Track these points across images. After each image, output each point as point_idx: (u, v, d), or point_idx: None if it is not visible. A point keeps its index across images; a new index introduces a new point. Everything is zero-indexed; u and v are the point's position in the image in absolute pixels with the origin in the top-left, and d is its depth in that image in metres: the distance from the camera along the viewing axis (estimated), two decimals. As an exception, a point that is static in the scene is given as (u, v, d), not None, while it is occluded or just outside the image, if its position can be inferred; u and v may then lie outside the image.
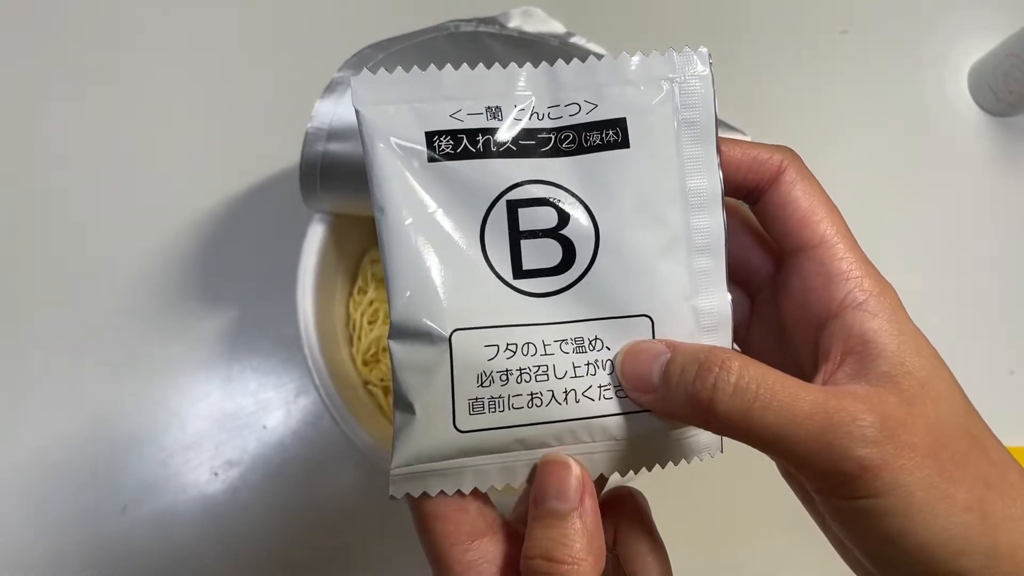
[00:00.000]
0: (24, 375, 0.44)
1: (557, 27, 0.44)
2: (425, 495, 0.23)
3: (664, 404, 0.23)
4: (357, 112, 0.24)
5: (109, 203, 0.47)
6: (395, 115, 0.24)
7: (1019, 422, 0.50)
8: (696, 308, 0.24)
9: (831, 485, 0.21)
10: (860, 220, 0.51)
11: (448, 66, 0.24)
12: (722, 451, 0.25)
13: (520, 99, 0.24)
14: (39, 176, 0.48)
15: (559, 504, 0.22)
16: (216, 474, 0.44)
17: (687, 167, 0.24)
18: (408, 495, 0.23)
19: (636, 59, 0.24)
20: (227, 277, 0.46)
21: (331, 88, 0.36)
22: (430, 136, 0.23)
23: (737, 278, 0.28)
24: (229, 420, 0.44)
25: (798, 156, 0.26)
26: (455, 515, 0.23)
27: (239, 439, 0.44)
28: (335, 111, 0.36)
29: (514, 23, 0.43)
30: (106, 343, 0.45)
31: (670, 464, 0.25)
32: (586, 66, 0.24)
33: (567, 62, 0.24)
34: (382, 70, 0.24)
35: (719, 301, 0.24)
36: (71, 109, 0.49)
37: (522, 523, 0.23)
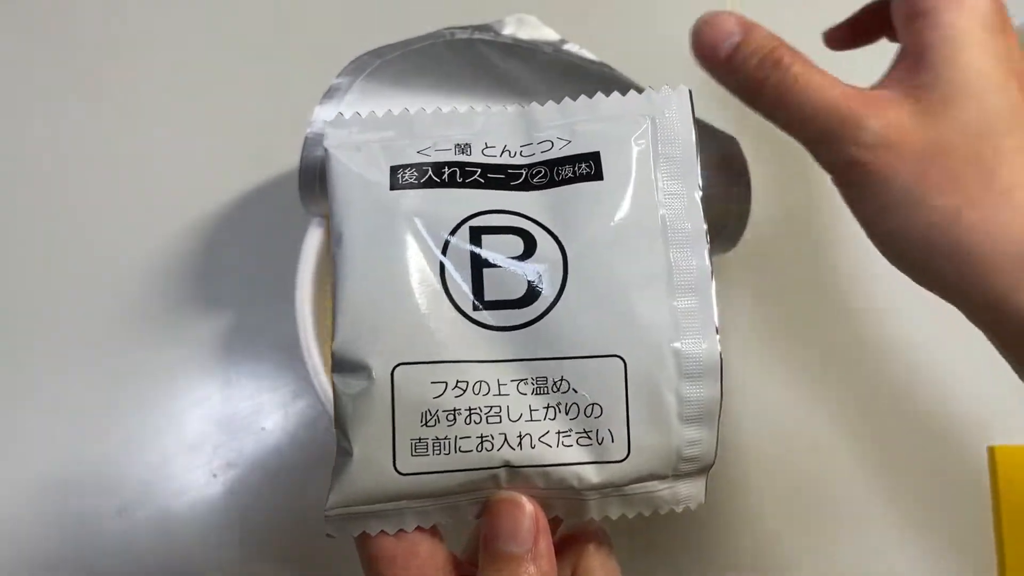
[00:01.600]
0: (21, 378, 0.45)
1: (551, 34, 0.45)
2: (366, 535, 0.22)
3: (724, 75, 0.25)
4: (325, 151, 0.24)
5: (105, 207, 0.48)
6: (362, 152, 0.23)
7: (1005, 421, 0.51)
8: (679, 352, 0.22)
9: (834, 170, 0.25)
10: (854, 222, 0.52)
11: (422, 108, 0.24)
12: (704, 502, 0.24)
13: (492, 137, 0.24)
14: (33, 180, 0.48)
15: (511, 547, 0.21)
16: (215, 476, 0.44)
17: (665, 202, 0.23)
18: (355, 535, 0.22)
19: (613, 97, 0.24)
20: (225, 280, 0.47)
21: (330, 94, 0.37)
22: (394, 169, 0.23)
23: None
24: (227, 423, 0.45)
25: None
26: (404, 558, 0.22)
27: (237, 441, 0.44)
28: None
29: (508, 30, 0.44)
30: (104, 347, 0.45)
31: (637, 513, 0.23)
32: (561, 106, 0.24)
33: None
34: (356, 113, 0.24)
35: (707, 347, 0.22)
36: (63, 113, 0.49)
37: (474, 562, 0.23)
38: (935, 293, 0.25)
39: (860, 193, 0.24)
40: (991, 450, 0.50)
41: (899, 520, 0.48)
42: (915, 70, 0.23)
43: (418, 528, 0.22)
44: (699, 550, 0.44)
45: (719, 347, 0.22)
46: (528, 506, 0.22)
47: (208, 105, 0.50)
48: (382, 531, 0.22)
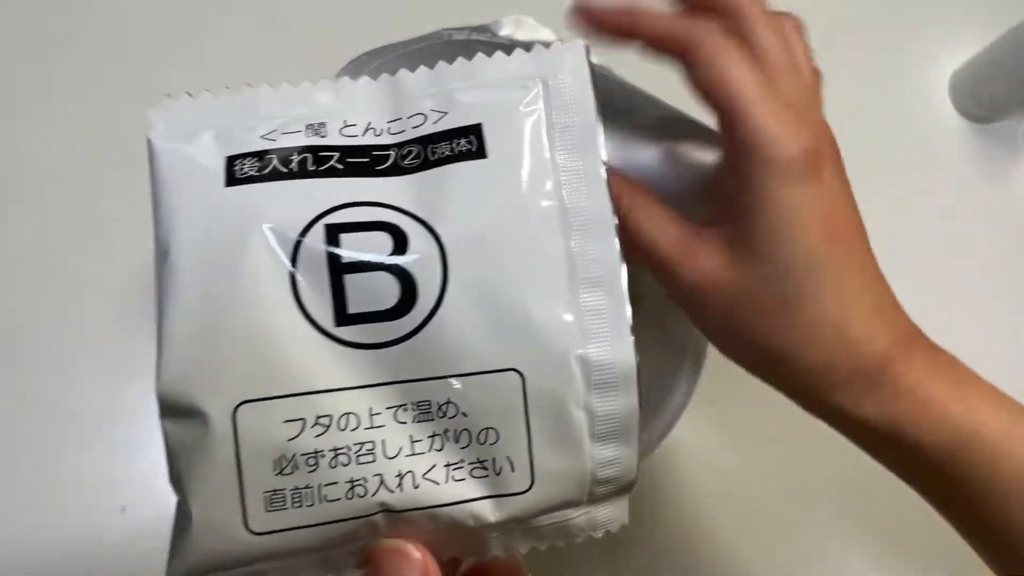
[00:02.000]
0: (23, 378, 0.45)
1: (548, 35, 0.45)
2: None
3: None
4: (148, 143, 0.20)
5: (109, 206, 0.48)
6: (192, 144, 0.19)
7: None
8: (586, 359, 0.19)
9: (668, 296, 0.26)
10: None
11: (266, 85, 0.21)
12: (627, 522, 0.21)
13: (352, 113, 0.20)
14: (35, 183, 0.48)
15: None
16: (214, 475, 0.44)
17: (564, 180, 0.19)
18: None
19: (496, 57, 0.20)
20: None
21: None
22: (231, 160, 0.19)
23: None
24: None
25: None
26: None
27: (236, 440, 0.45)
28: None
29: (505, 31, 0.44)
30: (106, 344, 0.45)
31: (548, 544, 0.20)
32: (435, 71, 0.20)
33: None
34: (186, 96, 0.20)
35: (619, 351, 0.19)
36: (64, 115, 0.49)
37: None
38: None
39: (688, 315, 0.26)
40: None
41: (905, 523, 0.48)
42: (729, 214, 0.25)
43: None
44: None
45: (634, 350, 0.19)
46: (415, 554, 0.18)
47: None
48: None
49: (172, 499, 0.41)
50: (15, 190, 0.48)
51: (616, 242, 0.19)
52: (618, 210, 0.20)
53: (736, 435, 0.47)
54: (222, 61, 0.51)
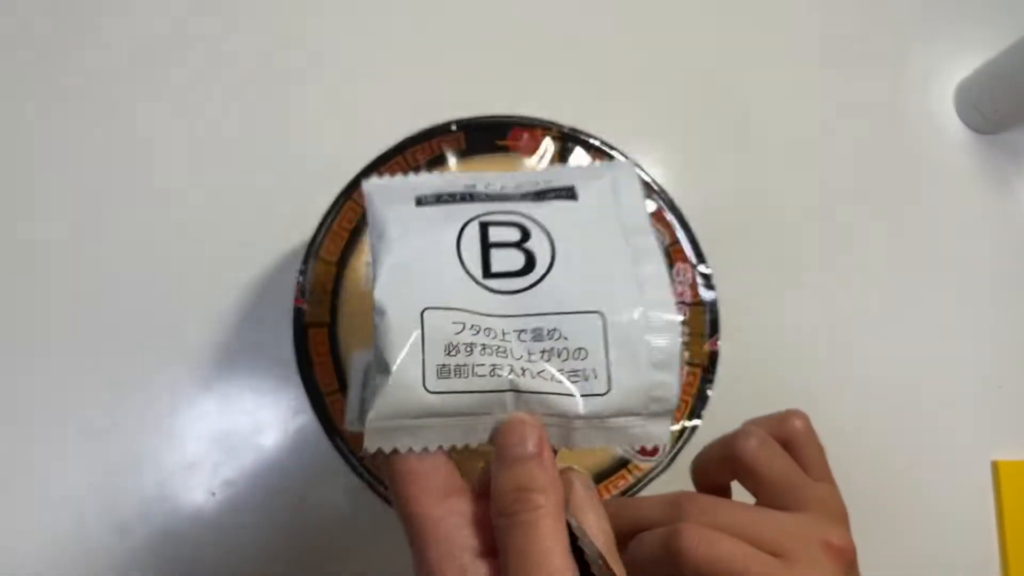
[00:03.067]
0: (22, 396, 0.44)
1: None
2: (395, 453, 0.26)
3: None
4: (362, 190, 0.31)
5: (108, 226, 0.47)
6: (392, 190, 0.30)
7: (1009, 437, 0.51)
8: (646, 311, 0.27)
9: None
10: (846, 238, 0.53)
11: (436, 172, 0.33)
12: (667, 445, 0.30)
13: (490, 182, 0.31)
14: (38, 198, 0.48)
15: (522, 450, 0.25)
16: (213, 494, 0.44)
17: (624, 215, 0.30)
18: (385, 454, 0.26)
19: (581, 163, 0.32)
20: (226, 298, 0.47)
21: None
22: (418, 198, 0.30)
23: None
24: (227, 440, 0.44)
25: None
26: (429, 474, 0.26)
27: (237, 459, 0.44)
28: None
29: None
30: (105, 364, 0.45)
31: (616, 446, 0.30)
32: (542, 169, 0.32)
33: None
34: (387, 176, 0.32)
35: (667, 305, 0.28)
36: (80, 122, 0.49)
37: (486, 491, 0.26)
38: None
39: None
40: (995, 465, 0.50)
41: (905, 533, 0.48)
42: None
43: (439, 449, 0.26)
44: None
45: (675, 306, 0.28)
46: (534, 421, 0.26)
47: (218, 133, 0.50)
48: (410, 450, 0.26)
49: (171, 517, 0.41)
50: (13, 205, 0.48)
51: (655, 237, 0.29)
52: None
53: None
54: (221, 98, 0.51)
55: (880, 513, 0.48)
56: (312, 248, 0.38)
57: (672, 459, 0.37)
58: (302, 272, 0.37)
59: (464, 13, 0.54)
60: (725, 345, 0.39)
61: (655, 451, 0.37)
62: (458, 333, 0.26)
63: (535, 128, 0.40)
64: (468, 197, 0.29)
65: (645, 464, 0.37)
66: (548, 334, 0.27)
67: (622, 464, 0.37)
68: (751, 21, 0.57)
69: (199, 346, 0.46)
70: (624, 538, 0.31)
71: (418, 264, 0.27)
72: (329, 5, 0.53)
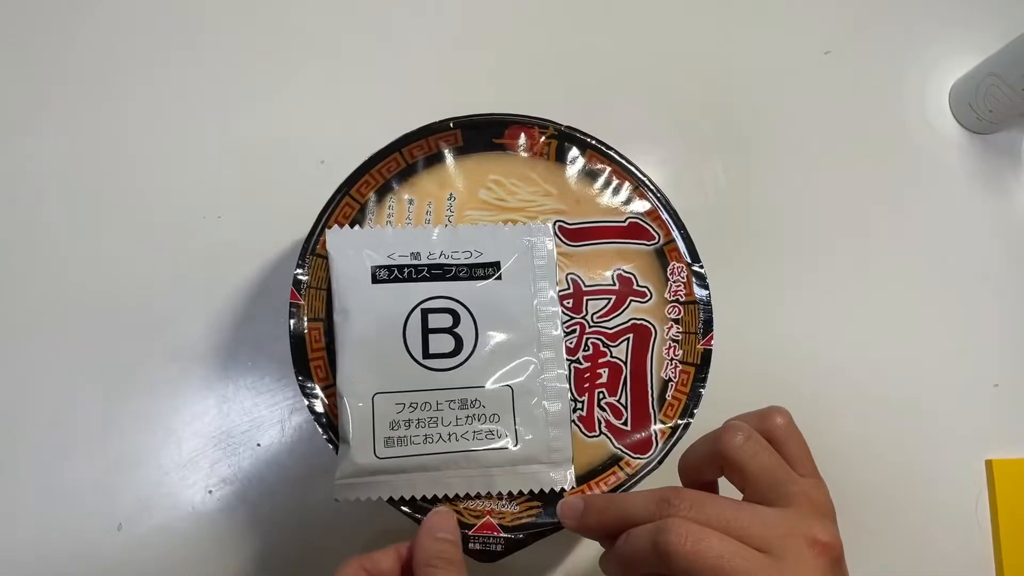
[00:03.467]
0: (20, 394, 0.45)
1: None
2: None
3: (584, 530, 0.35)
4: (328, 254, 0.37)
5: (106, 225, 0.48)
6: (352, 257, 0.37)
7: (1003, 435, 0.51)
8: (543, 384, 0.37)
9: None
10: (842, 238, 0.53)
11: (388, 227, 0.39)
12: (575, 485, 0.37)
13: (434, 246, 0.38)
14: (37, 197, 0.48)
15: (445, 534, 0.33)
16: (211, 492, 0.44)
17: (536, 291, 0.38)
18: (351, 500, 0.35)
19: (508, 227, 0.39)
20: (224, 295, 0.47)
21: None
22: (374, 269, 0.37)
23: None
24: (224, 438, 0.45)
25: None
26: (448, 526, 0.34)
27: (234, 457, 0.44)
28: None
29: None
30: (103, 363, 0.45)
31: (529, 490, 0.36)
32: (477, 228, 0.39)
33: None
34: (347, 227, 0.38)
35: (560, 381, 0.37)
36: (72, 123, 0.49)
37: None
38: None
39: None
40: (989, 463, 0.50)
41: (899, 531, 0.48)
42: None
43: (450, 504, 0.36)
44: None
45: (567, 382, 0.38)
46: (453, 515, 0.35)
47: (216, 128, 0.50)
48: (368, 497, 0.35)
49: (169, 515, 0.41)
50: (14, 207, 0.48)
51: (560, 327, 0.38)
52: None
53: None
54: (222, 92, 0.51)
55: (874, 511, 0.48)
56: (309, 244, 0.38)
57: (664, 456, 0.38)
58: (299, 268, 0.37)
59: (464, 13, 0.54)
60: (719, 344, 0.39)
61: (647, 448, 0.38)
62: (399, 413, 0.35)
63: (532, 127, 0.41)
64: (413, 272, 0.37)
65: (636, 461, 0.37)
66: (471, 403, 0.35)
67: (614, 461, 0.37)
68: (748, 21, 0.58)
69: (196, 343, 0.46)
70: (613, 534, 0.31)
71: (373, 346, 0.35)
72: (329, 3, 0.53)
